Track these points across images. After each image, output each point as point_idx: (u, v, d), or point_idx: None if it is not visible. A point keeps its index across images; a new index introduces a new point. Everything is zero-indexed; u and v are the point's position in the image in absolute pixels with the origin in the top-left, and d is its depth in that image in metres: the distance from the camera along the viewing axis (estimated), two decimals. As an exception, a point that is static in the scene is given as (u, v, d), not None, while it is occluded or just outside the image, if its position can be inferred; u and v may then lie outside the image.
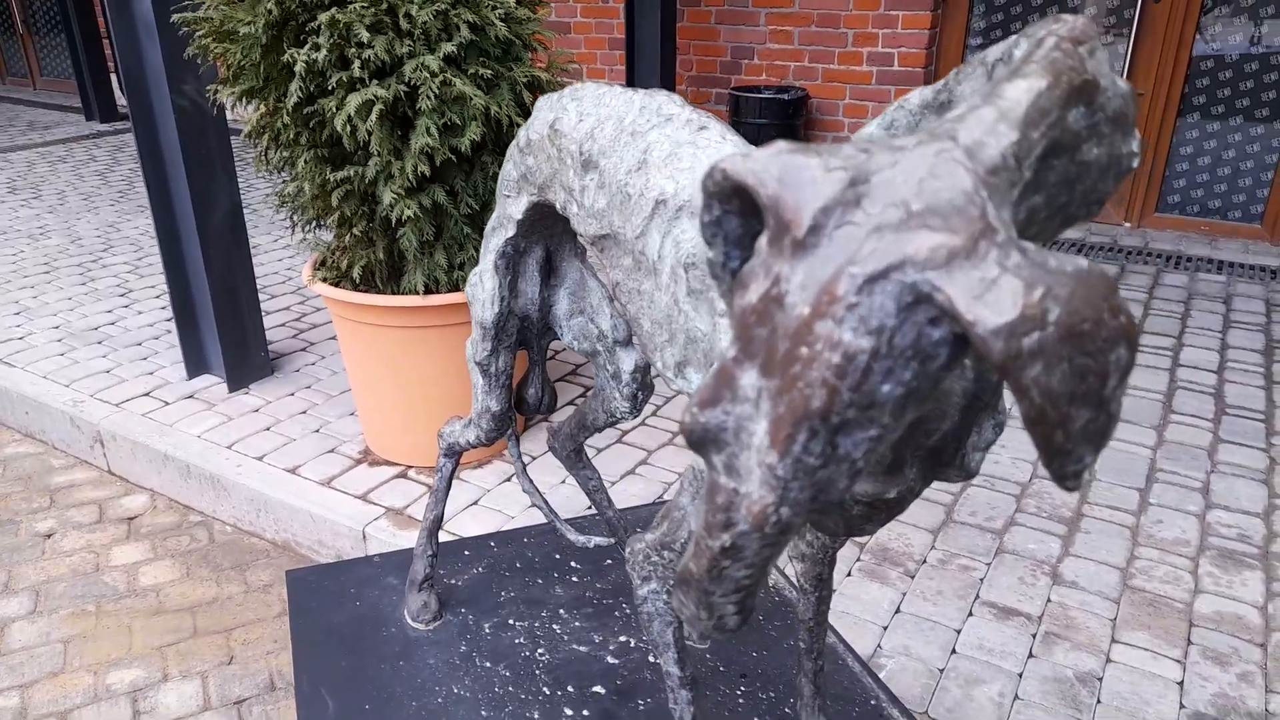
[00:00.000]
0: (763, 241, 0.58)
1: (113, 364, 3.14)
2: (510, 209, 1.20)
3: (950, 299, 0.48)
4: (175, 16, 2.30)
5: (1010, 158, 0.56)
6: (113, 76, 7.09)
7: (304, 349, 3.26)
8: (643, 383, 1.27)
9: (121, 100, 7.22)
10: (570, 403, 2.82)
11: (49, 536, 2.44)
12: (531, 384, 1.44)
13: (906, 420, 0.58)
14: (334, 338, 3.33)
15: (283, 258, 4.21)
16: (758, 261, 0.57)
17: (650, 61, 4.83)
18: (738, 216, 0.62)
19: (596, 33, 5.59)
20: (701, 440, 0.59)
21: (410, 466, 2.49)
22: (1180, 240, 4.24)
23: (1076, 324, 0.45)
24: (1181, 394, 2.83)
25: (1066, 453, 0.49)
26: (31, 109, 7.77)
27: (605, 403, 1.33)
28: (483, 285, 1.25)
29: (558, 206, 1.09)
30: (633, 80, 4.88)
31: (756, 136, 4.85)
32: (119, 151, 6.24)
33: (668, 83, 4.88)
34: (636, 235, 0.94)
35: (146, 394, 2.92)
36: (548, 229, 1.25)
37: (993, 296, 0.46)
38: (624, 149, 0.97)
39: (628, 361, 1.25)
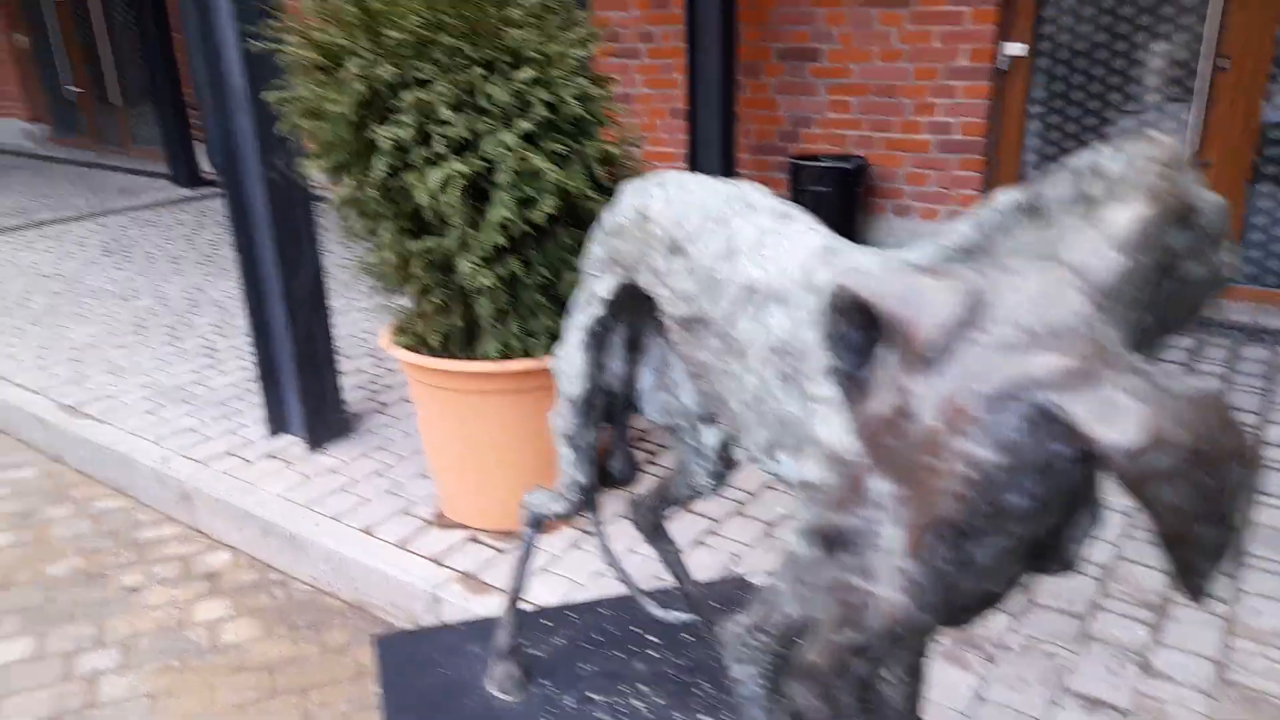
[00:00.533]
0: (886, 354, 0.61)
1: (198, 422, 3.27)
2: (596, 288, 1.25)
3: (1076, 420, 0.50)
4: (269, 96, 2.45)
5: (1118, 280, 0.59)
6: (196, 145, 7.50)
7: (377, 410, 3.35)
8: (726, 459, 1.29)
9: (205, 167, 7.63)
10: (648, 473, 2.84)
11: (136, 591, 2.53)
12: (615, 457, 1.47)
13: (1035, 527, 0.60)
14: (407, 399, 3.42)
15: (356, 320, 4.35)
16: (883, 374, 0.61)
17: (711, 130, 4.95)
18: (859, 328, 0.65)
19: (658, 103, 5.75)
20: (833, 540, 0.62)
21: (481, 530, 2.52)
22: (1258, 312, 4.13)
23: (1198, 446, 0.47)
24: (1271, 475, 2.73)
25: (1195, 567, 0.51)
26: (123, 175, 8.25)
27: (688, 477, 1.35)
28: (570, 361, 1.29)
29: (645, 287, 1.14)
30: (694, 148, 5.00)
31: (816, 204, 4.91)
32: (203, 216, 6.57)
33: (727, 151, 4.99)
34: (725, 319, 0.97)
35: (230, 452, 3.03)
36: (633, 307, 1.29)
37: (1117, 419, 0.49)
38: (711, 235, 1.01)
39: (711, 438, 1.28)
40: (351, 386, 3.53)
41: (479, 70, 2.22)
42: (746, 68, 5.39)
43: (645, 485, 2.78)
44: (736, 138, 5.11)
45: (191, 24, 2.80)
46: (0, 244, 5.85)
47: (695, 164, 5.03)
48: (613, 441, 1.44)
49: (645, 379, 1.33)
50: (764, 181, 5.65)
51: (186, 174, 7.42)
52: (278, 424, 3.16)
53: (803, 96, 5.29)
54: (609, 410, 1.35)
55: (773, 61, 5.34)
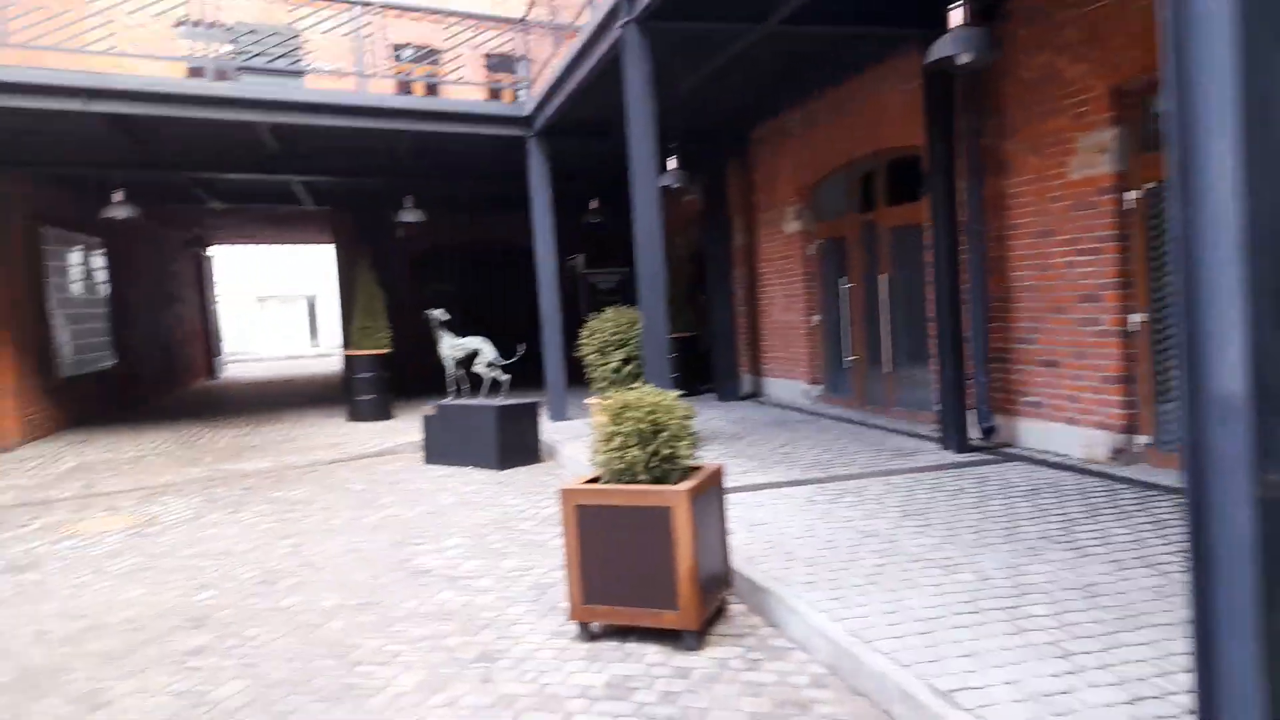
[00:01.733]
0: None
1: (1092, 752, 2.86)
2: None
3: None
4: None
5: None
6: (968, 413, 7.78)
7: (1347, 808, 2.48)
8: None
9: (972, 435, 7.82)
10: None
11: None
12: None
13: None
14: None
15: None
16: None
17: None
18: None
19: None
20: None
21: None
22: None
23: None
24: None
25: None
26: (885, 433, 9.02)
27: None
28: None
29: None
30: None
31: None
32: (982, 484, 6.60)
33: None
34: None
35: (1157, 813, 2.51)
36: None
37: None
38: None
39: None
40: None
41: None
42: None
43: None
44: None
45: (1181, 326, 2.63)
46: (814, 494, 6.69)
47: None
48: None
49: None
50: None
51: (958, 441, 7.70)
52: (1218, 793, 2.54)
53: None
54: None
55: None
